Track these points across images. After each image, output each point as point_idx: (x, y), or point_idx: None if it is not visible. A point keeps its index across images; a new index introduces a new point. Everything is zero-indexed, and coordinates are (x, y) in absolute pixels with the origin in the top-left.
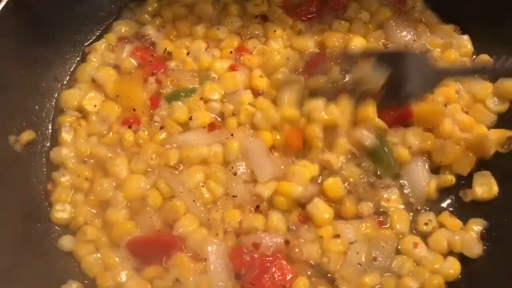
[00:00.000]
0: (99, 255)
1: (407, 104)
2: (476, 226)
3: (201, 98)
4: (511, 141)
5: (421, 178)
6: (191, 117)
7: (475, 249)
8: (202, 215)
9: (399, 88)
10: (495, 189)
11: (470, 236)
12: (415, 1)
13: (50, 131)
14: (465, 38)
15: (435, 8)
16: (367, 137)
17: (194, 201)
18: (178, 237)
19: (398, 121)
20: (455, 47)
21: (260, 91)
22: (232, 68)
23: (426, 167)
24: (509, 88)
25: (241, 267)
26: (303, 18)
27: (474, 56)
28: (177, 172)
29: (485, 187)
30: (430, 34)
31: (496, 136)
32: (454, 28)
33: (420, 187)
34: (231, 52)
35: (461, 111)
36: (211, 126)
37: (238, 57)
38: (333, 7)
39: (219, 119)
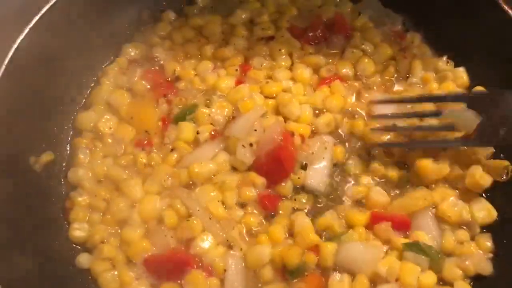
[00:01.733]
0: (116, 272)
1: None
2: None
3: (209, 114)
4: (508, 170)
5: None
6: (198, 131)
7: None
8: (220, 232)
9: (493, 131)
10: (493, 213)
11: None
12: (413, 36)
13: (68, 152)
14: (461, 69)
15: (431, 43)
16: None
17: (210, 218)
18: (193, 255)
19: None
20: (451, 78)
21: None
22: (237, 83)
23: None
24: None
25: None
26: (311, 42)
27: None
28: (191, 191)
29: (484, 212)
30: (424, 70)
31: (493, 167)
32: (448, 61)
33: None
34: (236, 69)
35: None
36: (214, 135)
37: (243, 74)
38: (338, 33)
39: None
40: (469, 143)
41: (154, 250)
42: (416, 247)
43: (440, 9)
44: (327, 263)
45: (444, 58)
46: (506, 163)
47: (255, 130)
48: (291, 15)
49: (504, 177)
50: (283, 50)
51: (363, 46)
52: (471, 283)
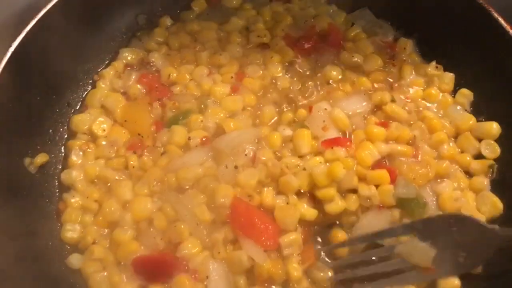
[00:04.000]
0: (106, 273)
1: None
2: None
3: (201, 121)
4: (493, 169)
5: None
6: (190, 137)
7: None
8: (206, 239)
9: (453, 258)
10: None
11: None
12: (406, 43)
13: (62, 154)
14: (449, 75)
15: (422, 50)
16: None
17: (197, 224)
18: (181, 258)
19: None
20: (436, 84)
21: None
22: (233, 91)
23: None
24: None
25: None
26: (302, 52)
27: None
28: (181, 194)
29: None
30: (414, 74)
31: (479, 166)
32: (437, 66)
33: None
34: (231, 77)
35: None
36: (205, 141)
37: (239, 81)
38: (331, 44)
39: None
40: (428, 278)
41: (143, 251)
42: None
43: (431, 17)
44: None
45: (433, 63)
46: (491, 162)
47: (245, 154)
48: (286, 24)
49: (490, 176)
50: (274, 58)
51: (354, 59)
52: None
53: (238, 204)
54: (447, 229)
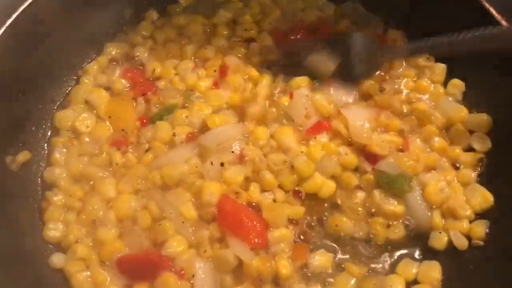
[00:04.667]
0: (89, 273)
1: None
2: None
3: (186, 116)
4: (483, 162)
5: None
6: (174, 133)
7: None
8: (192, 237)
9: (349, 69)
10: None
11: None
12: (396, 35)
13: (45, 151)
14: (441, 65)
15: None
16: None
17: (183, 222)
18: (166, 257)
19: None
20: (428, 75)
21: None
22: (214, 85)
23: None
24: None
25: None
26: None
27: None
28: (166, 192)
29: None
30: (405, 65)
31: (468, 158)
32: (428, 57)
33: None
34: (214, 70)
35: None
36: (190, 137)
37: (222, 76)
38: (320, 37)
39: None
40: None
41: (127, 251)
42: None
43: (421, 8)
44: None
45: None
46: (480, 155)
47: (232, 151)
48: (274, 17)
49: (479, 169)
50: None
51: None
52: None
53: (225, 201)
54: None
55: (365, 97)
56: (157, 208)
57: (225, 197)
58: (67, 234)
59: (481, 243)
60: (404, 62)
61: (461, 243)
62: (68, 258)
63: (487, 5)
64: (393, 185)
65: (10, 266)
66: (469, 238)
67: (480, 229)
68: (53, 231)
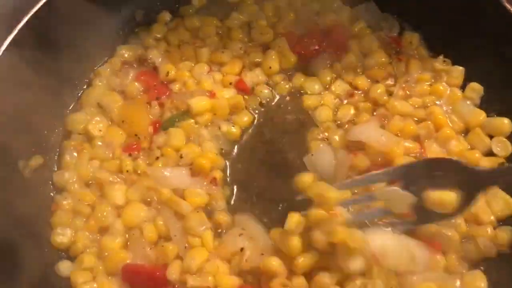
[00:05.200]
0: (95, 285)
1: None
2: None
3: (196, 124)
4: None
5: None
6: (182, 155)
7: None
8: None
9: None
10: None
11: None
12: (412, 37)
13: (57, 155)
14: (459, 69)
15: (429, 44)
16: None
17: (185, 247)
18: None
19: None
20: (444, 79)
21: None
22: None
23: None
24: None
25: None
26: (303, 52)
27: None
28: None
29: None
30: (420, 70)
31: (489, 163)
32: (444, 60)
33: None
34: (230, 83)
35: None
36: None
37: (237, 91)
38: (335, 42)
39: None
40: (409, 225)
41: (132, 261)
42: None
43: (437, 9)
44: None
45: (441, 57)
46: (501, 160)
47: None
48: (288, 21)
49: None
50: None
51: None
52: None
53: None
54: (428, 173)
55: (374, 107)
56: (163, 225)
57: None
58: (75, 241)
59: (508, 250)
60: (420, 65)
61: (489, 250)
62: (75, 268)
63: (507, 4)
64: None
65: (18, 270)
66: None
67: (506, 235)
68: (61, 236)
